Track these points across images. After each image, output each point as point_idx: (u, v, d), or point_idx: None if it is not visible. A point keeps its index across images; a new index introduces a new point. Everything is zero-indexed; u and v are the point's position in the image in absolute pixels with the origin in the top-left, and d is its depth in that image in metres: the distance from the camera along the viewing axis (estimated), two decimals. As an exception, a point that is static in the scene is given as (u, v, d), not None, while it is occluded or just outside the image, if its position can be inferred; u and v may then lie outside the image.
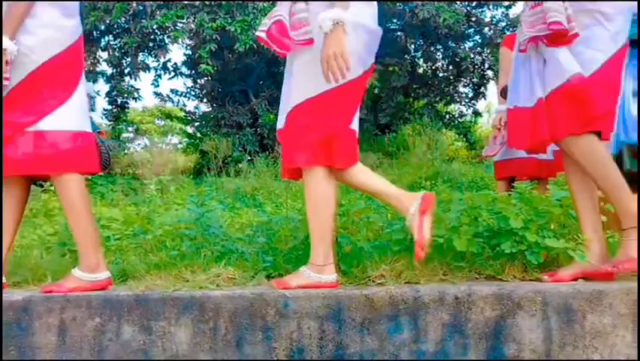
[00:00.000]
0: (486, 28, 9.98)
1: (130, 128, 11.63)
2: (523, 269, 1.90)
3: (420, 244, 1.78)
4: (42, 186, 6.02)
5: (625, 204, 1.78)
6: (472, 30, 10.02)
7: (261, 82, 9.65)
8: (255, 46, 7.77)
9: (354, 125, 1.90)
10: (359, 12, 1.81)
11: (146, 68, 9.26)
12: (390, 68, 9.50)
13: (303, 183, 1.86)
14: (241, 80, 9.67)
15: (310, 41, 1.78)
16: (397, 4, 8.81)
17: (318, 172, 1.83)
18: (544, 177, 3.16)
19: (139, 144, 11.95)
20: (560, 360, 1.65)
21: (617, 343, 1.65)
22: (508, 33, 9.77)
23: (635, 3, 1.88)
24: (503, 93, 3.14)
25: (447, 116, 11.27)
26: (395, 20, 9.75)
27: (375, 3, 1.91)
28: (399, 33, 10.17)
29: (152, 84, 9.81)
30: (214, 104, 10.33)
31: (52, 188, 4.97)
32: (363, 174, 1.91)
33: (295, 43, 1.80)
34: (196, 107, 11.21)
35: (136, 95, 9.38)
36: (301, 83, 1.84)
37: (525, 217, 1.93)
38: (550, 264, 1.91)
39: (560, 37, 1.79)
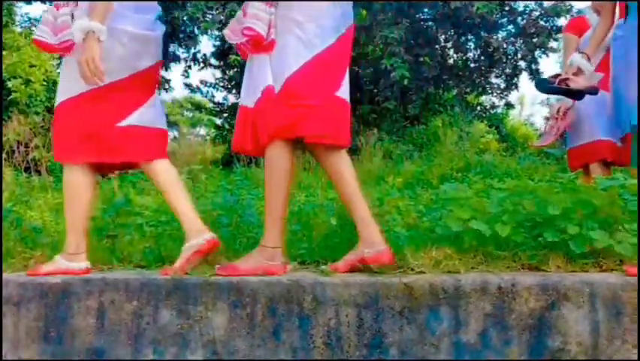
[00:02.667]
0: (519, 18, 9.75)
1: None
2: (567, 260, 1.83)
3: (165, 272, 1.84)
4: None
5: (269, 229, 1.83)
6: (505, 19, 9.80)
7: (289, 73, 9.63)
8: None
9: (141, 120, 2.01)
10: (121, 19, 1.93)
11: (177, 59, 9.33)
12: (421, 59, 9.37)
13: None
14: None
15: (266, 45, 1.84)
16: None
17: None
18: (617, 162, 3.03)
19: (168, 135, 12.08)
20: None
21: (669, 337, 1.58)
22: (542, 23, 9.55)
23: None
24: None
25: (478, 108, 11.08)
26: (426, 10, 9.60)
27: (156, 8, 2.07)
28: (430, 23, 10.02)
29: (183, 75, 9.89)
30: (242, 95, 10.36)
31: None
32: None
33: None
34: (224, 99, 11.27)
35: (166, 86, 9.47)
36: None
37: (565, 206, 1.86)
38: (597, 254, 1.84)
39: (258, 44, 1.81)
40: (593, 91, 2.44)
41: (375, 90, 9.69)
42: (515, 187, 2.10)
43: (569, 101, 3.12)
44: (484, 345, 1.62)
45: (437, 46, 10.16)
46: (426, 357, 1.63)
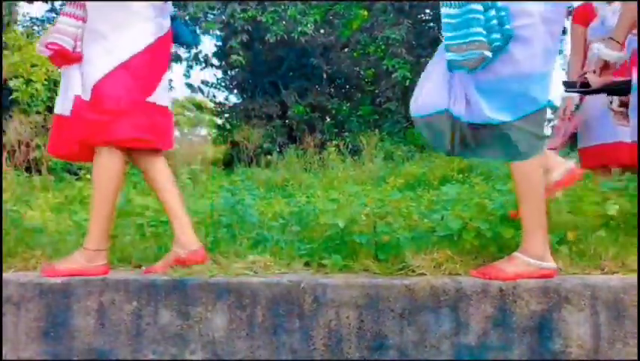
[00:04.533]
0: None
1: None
2: (569, 262, 1.82)
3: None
4: (77, 174, 6.14)
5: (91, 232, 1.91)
6: (506, 20, 9.77)
7: (290, 73, 9.63)
8: (285, 37, 7.75)
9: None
10: None
11: (178, 59, 9.33)
12: (423, 60, 9.35)
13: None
14: (271, 71, 9.67)
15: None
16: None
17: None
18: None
19: (169, 135, 12.07)
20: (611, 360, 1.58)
21: (671, 341, 1.58)
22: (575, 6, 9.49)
23: None
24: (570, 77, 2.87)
25: (479, 109, 11.05)
26: (427, 10, 9.59)
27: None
28: (431, 24, 10.01)
29: (184, 75, 9.89)
30: (244, 96, 10.36)
31: (87, 176, 5.06)
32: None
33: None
34: (226, 99, 11.27)
35: (169, 85, 9.47)
36: None
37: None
38: (597, 257, 1.83)
39: (64, 57, 1.92)
40: (620, 86, 2.20)
41: (377, 91, 9.69)
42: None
43: (574, 100, 3.01)
44: (484, 347, 1.62)
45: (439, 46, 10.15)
46: (427, 359, 1.63)
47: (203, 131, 13.52)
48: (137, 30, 1.93)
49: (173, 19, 2.14)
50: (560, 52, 9.68)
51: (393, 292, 1.65)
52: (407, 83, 8.08)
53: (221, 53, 9.88)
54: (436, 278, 1.68)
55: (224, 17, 8.29)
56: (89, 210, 3.33)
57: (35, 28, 10.12)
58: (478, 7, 1.62)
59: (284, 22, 7.73)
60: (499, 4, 1.62)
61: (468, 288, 1.64)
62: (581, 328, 1.60)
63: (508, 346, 1.61)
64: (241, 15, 7.82)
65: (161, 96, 1.99)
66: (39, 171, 5.93)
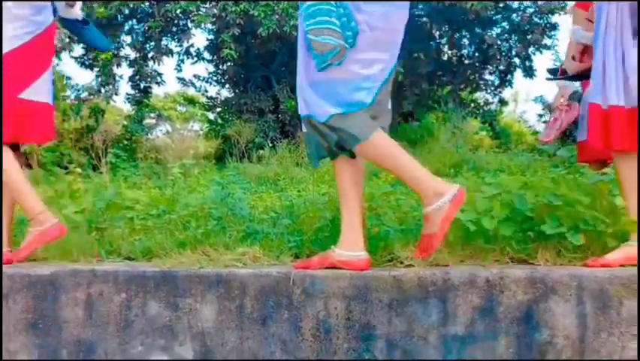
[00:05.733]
0: (514, 15, 9.76)
1: (152, 115, 11.72)
2: (557, 254, 1.84)
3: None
4: (67, 168, 6.10)
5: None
6: (499, 16, 9.81)
7: (283, 68, 9.60)
8: (278, 31, 7.72)
9: None
10: None
11: (169, 52, 9.28)
12: (415, 55, 9.37)
13: None
14: (263, 65, 9.64)
15: None
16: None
17: None
18: None
19: (161, 130, 12.04)
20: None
21: (655, 331, 1.60)
22: (536, 20, 9.55)
23: None
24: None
25: (472, 105, 11.09)
26: (420, 6, 9.59)
27: None
28: (424, 19, 10.01)
29: (175, 69, 9.84)
30: (236, 90, 10.32)
31: (78, 170, 5.03)
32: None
33: None
34: (218, 93, 11.22)
35: (159, 79, 9.42)
36: None
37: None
38: (586, 249, 1.85)
39: None
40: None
41: (369, 86, 9.66)
42: (505, 182, 2.10)
43: (570, 88, 2.95)
44: (472, 338, 1.63)
45: (432, 42, 10.17)
46: (414, 349, 1.64)
47: (195, 126, 13.48)
48: (10, 29, 2.03)
49: (86, 23, 2.28)
50: (550, 47, 9.70)
51: (381, 284, 1.66)
52: (400, 78, 8.08)
53: (213, 47, 9.83)
54: (423, 269, 1.69)
55: (215, 11, 8.24)
56: (79, 204, 3.32)
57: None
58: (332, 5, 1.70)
59: (276, 16, 7.69)
60: (346, 3, 1.69)
61: (455, 279, 1.65)
62: (567, 318, 1.61)
63: (494, 336, 1.62)
64: (233, 9, 7.77)
65: (38, 92, 2.10)
66: (29, 165, 5.89)
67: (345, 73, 1.71)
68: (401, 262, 1.78)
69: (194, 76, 10.75)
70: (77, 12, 2.26)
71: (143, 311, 1.73)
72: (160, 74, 9.45)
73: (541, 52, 9.82)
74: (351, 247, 1.74)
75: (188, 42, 9.52)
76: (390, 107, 1.92)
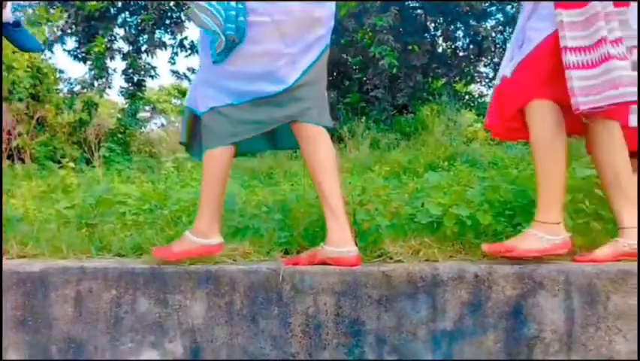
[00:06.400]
0: (508, 7, 9.73)
1: (146, 108, 11.67)
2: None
3: None
4: (60, 162, 6.08)
5: None
6: (494, 8, 9.78)
7: (277, 60, 9.56)
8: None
9: None
10: None
11: (163, 45, 9.22)
12: (409, 47, 9.33)
13: None
14: (257, 58, 9.58)
15: None
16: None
17: None
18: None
19: (155, 123, 12.00)
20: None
21: (642, 325, 1.61)
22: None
23: None
24: None
25: (466, 97, 11.08)
26: (415, -2, 9.56)
27: None
28: (418, 11, 9.97)
29: (169, 62, 9.79)
30: (230, 83, 10.27)
31: (71, 165, 5.02)
32: None
33: None
34: (212, 86, 11.16)
35: (152, 72, 9.37)
36: None
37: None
38: (574, 244, 1.85)
39: None
40: None
41: (364, 78, 9.66)
42: (497, 175, 2.11)
43: None
44: (460, 333, 1.64)
45: (426, 34, 10.13)
46: (404, 345, 1.64)
47: (190, 119, 13.41)
48: None
49: (17, 25, 2.22)
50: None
51: (370, 279, 1.67)
52: (394, 70, 8.06)
53: (208, 40, 9.77)
54: (412, 265, 1.70)
55: (209, 3, 8.19)
56: (71, 199, 3.31)
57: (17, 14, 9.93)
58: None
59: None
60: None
61: (444, 274, 1.65)
62: (554, 313, 1.62)
63: (483, 331, 1.63)
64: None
65: None
66: (22, 160, 5.86)
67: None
68: (390, 258, 1.78)
69: (188, 69, 10.72)
70: (8, 15, 2.22)
71: (132, 308, 1.73)
72: (154, 67, 9.40)
73: (535, 44, 9.78)
74: (340, 244, 1.74)
75: (181, 35, 9.46)
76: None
